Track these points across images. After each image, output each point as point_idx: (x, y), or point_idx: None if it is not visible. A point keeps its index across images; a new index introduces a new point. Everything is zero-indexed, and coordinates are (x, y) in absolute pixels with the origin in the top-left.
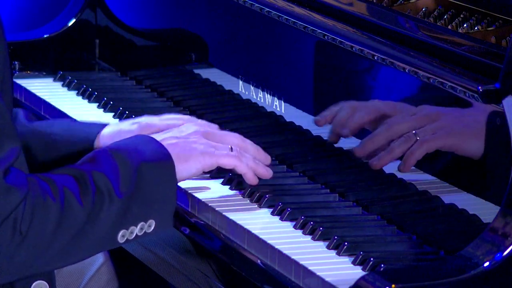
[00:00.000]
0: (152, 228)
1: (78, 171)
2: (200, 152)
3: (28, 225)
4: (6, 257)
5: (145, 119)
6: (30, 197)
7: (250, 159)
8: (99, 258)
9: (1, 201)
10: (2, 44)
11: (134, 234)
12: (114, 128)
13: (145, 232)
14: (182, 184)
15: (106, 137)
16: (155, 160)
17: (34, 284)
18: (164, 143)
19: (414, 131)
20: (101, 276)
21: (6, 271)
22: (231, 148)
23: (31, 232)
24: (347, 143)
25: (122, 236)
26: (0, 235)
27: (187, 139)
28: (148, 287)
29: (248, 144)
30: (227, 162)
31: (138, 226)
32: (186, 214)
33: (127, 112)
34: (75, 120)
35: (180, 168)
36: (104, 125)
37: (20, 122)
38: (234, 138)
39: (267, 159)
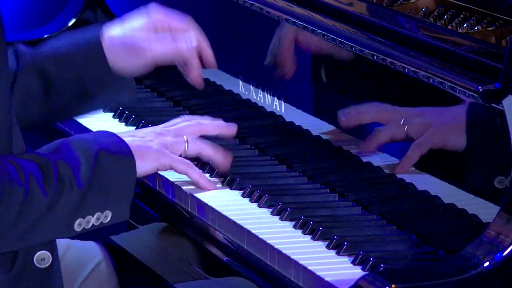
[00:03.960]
0: (109, 219)
1: (43, 159)
2: (156, 151)
3: None
4: None
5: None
6: None
7: (206, 147)
8: (97, 256)
9: None
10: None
11: (91, 224)
12: (122, 29)
13: (101, 222)
14: (184, 183)
15: (115, 38)
16: (116, 153)
17: (37, 254)
18: (124, 139)
19: (402, 121)
20: (100, 274)
21: None
22: (187, 141)
23: None
24: (347, 143)
25: (78, 225)
26: None
27: (143, 137)
28: (146, 284)
29: (207, 126)
30: (180, 168)
31: (95, 216)
32: (187, 214)
33: (126, 112)
34: (74, 32)
35: (137, 164)
36: (101, 25)
37: (27, 52)
38: (189, 128)
39: (230, 129)
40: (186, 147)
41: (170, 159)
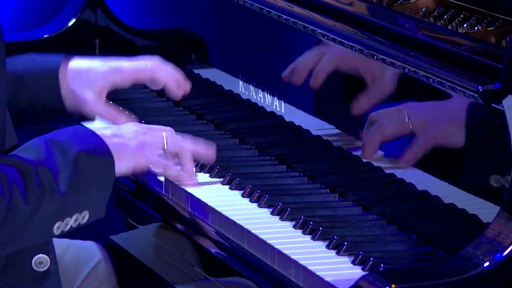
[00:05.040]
0: (86, 219)
1: (25, 165)
2: (133, 151)
3: None
4: None
5: (115, 62)
6: None
7: (190, 146)
8: (97, 255)
9: None
10: None
11: (69, 226)
12: (83, 64)
13: (79, 223)
14: (179, 183)
15: (74, 71)
16: (95, 153)
17: (35, 258)
18: (103, 138)
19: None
20: (98, 273)
21: None
22: (165, 137)
23: None
24: (347, 143)
25: (57, 228)
26: None
27: (122, 135)
28: (144, 284)
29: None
30: (157, 168)
31: (73, 218)
32: (187, 214)
33: (126, 112)
34: (37, 54)
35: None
36: (68, 57)
37: None
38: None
39: (210, 151)
40: (165, 144)
41: (146, 160)
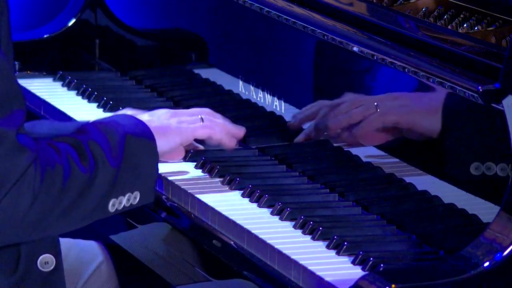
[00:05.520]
0: (137, 200)
1: (74, 139)
2: (176, 127)
3: (39, 185)
4: (19, 216)
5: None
6: (39, 158)
7: (221, 124)
8: (98, 257)
9: (15, 159)
10: (4, 8)
11: (122, 205)
12: None
13: (131, 203)
14: (184, 184)
15: None
16: (139, 134)
17: (40, 257)
18: (144, 122)
19: (376, 103)
20: (100, 274)
21: (16, 230)
22: (202, 119)
23: (42, 191)
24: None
25: (112, 205)
26: (14, 194)
27: (160, 117)
28: (147, 285)
29: (218, 115)
30: (202, 132)
31: (126, 197)
32: (186, 214)
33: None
34: (53, 121)
35: (159, 143)
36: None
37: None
38: (202, 110)
39: (240, 130)
40: (202, 123)
41: (191, 130)
